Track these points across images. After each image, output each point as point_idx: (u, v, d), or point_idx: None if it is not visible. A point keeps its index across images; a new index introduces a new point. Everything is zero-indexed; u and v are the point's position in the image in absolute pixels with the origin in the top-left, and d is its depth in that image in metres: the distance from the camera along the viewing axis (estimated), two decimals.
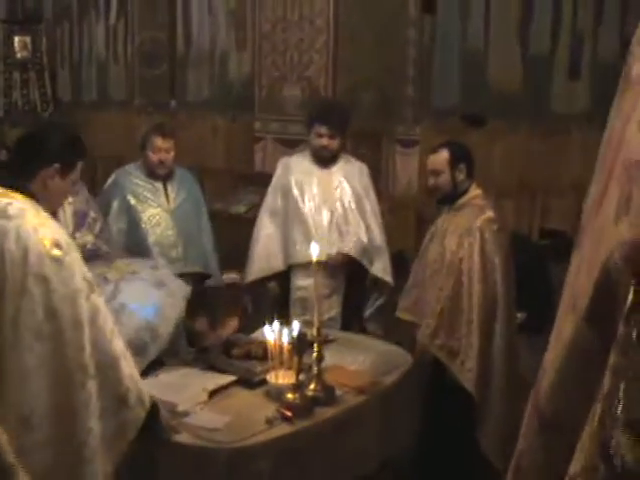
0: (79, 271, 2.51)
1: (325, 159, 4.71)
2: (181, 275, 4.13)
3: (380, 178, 6.76)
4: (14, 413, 2.39)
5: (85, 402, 2.47)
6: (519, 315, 5.44)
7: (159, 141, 4.57)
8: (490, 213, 3.88)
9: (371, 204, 4.80)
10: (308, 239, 4.43)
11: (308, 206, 4.68)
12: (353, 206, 4.71)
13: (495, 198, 7.04)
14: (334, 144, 4.64)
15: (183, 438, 2.87)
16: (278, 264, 4.75)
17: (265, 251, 4.77)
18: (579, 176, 5.99)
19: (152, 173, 4.65)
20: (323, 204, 4.69)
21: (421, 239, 6.78)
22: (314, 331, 3.23)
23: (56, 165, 2.71)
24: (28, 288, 2.39)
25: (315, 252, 3.27)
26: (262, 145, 7.29)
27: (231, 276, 5.20)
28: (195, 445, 2.85)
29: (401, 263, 6.68)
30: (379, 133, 6.83)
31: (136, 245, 4.56)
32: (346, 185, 4.73)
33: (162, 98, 9.29)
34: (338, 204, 4.69)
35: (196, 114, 8.74)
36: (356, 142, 6.60)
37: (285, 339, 3.28)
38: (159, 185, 4.69)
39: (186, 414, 3.00)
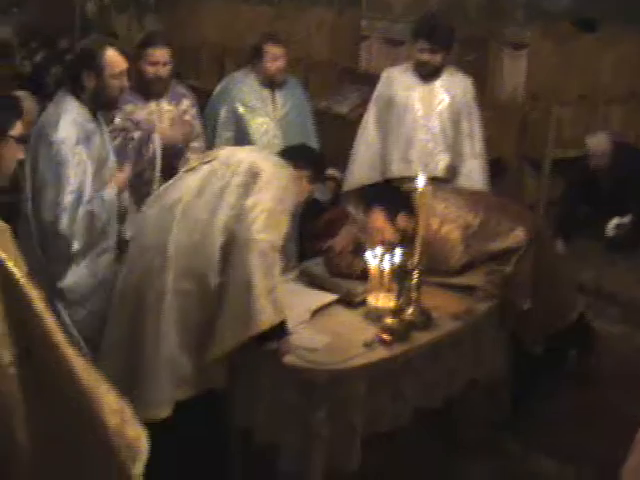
0: None
1: (427, 73, 4.66)
2: None
3: (486, 82, 6.67)
4: None
5: None
6: (625, 219, 5.50)
7: (274, 49, 4.67)
8: None
9: (470, 124, 4.74)
10: (405, 156, 4.60)
11: (408, 122, 4.67)
12: (449, 124, 4.68)
13: (603, 104, 6.99)
14: (436, 59, 4.58)
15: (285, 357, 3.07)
16: (376, 176, 4.79)
17: (365, 162, 4.82)
18: None
19: (267, 81, 4.75)
20: (423, 119, 4.67)
21: (524, 145, 6.79)
22: (414, 258, 3.34)
23: None
24: None
25: (421, 182, 3.33)
26: (368, 44, 7.22)
27: (329, 172, 5.33)
28: (296, 365, 3.04)
29: (498, 170, 6.67)
30: (487, 36, 6.67)
31: None
32: (446, 101, 4.68)
33: None
34: (437, 121, 4.67)
35: (302, 6, 8.66)
36: (463, 46, 6.48)
37: (386, 265, 3.40)
38: (267, 93, 4.77)
39: (290, 333, 3.18)
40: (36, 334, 2.01)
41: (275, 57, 4.68)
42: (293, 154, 3.54)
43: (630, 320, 5.14)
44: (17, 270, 2.02)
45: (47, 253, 3.46)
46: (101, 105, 3.62)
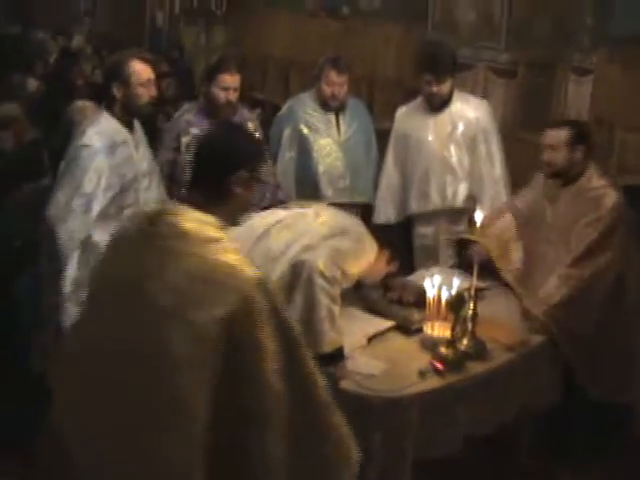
0: None
1: (437, 104, 4.62)
2: (348, 205, 4.39)
3: (550, 108, 6.66)
4: None
5: None
6: None
7: (333, 75, 4.72)
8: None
9: (487, 147, 4.68)
10: (424, 191, 4.65)
11: (424, 155, 4.66)
12: (465, 151, 4.64)
13: None
14: (443, 89, 4.53)
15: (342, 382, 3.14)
16: (398, 214, 4.85)
17: (388, 201, 4.86)
18: None
19: (325, 105, 4.81)
20: (439, 150, 4.64)
21: None
22: (472, 289, 3.39)
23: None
24: None
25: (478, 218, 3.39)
26: None
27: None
28: (353, 391, 3.10)
29: None
30: (554, 61, 6.66)
31: (305, 174, 4.80)
32: (460, 128, 4.64)
33: (335, 3, 9.31)
34: (452, 150, 4.64)
35: (369, 21, 8.72)
36: (530, 70, 6.51)
37: (444, 295, 3.45)
38: (331, 116, 4.86)
39: (346, 358, 3.25)
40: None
41: (333, 83, 4.74)
42: None
43: None
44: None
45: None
46: (132, 114, 3.77)
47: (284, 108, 5.03)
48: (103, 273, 2.47)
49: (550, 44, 6.55)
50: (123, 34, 11.94)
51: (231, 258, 2.22)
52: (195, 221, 2.27)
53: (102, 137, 3.64)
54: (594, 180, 3.93)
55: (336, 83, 4.74)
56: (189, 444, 2.13)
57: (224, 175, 2.35)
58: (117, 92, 3.71)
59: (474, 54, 6.64)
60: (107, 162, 3.62)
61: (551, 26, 6.57)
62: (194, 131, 4.35)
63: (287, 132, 4.86)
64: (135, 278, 2.25)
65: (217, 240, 2.26)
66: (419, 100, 4.76)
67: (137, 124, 3.86)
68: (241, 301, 2.14)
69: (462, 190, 4.65)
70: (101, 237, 3.48)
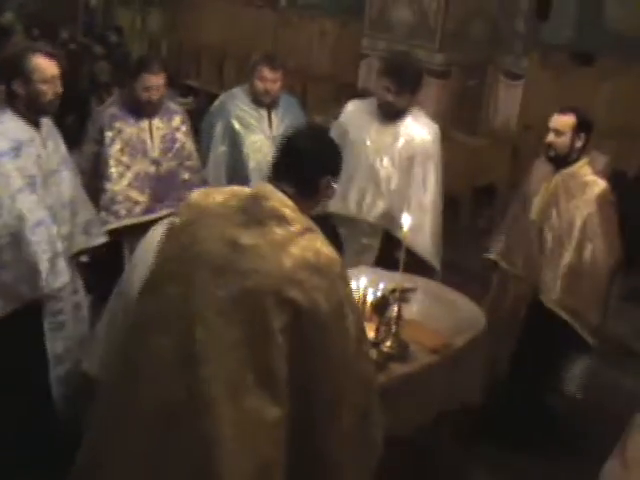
0: None
1: (389, 114, 4.46)
2: None
3: (481, 109, 6.78)
4: None
5: None
6: None
7: (266, 71, 4.69)
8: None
9: (424, 172, 4.51)
10: (344, 194, 4.42)
11: (355, 158, 4.44)
12: (397, 168, 4.48)
13: (597, 138, 7.09)
14: (401, 102, 4.38)
15: None
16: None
17: None
18: None
19: (257, 100, 4.79)
20: (370, 158, 4.48)
21: (515, 174, 6.88)
22: (396, 293, 3.42)
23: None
24: None
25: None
26: (368, 62, 7.31)
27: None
28: None
29: (490, 194, 6.79)
30: (485, 63, 6.78)
31: (236, 169, 4.78)
32: (400, 144, 4.48)
33: None
34: (385, 163, 4.48)
35: (305, 14, 8.74)
36: (462, 71, 6.60)
37: (369, 296, 3.48)
38: (263, 112, 4.84)
39: None
40: None
41: (266, 79, 4.71)
42: None
43: None
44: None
45: None
46: (37, 112, 3.55)
47: (216, 102, 4.99)
48: (174, 255, 2.52)
49: (483, 47, 6.67)
50: (55, 12, 11.69)
51: (327, 248, 2.45)
52: (291, 209, 2.45)
53: (5, 139, 3.43)
54: (585, 168, 4.17)
55: (269, 79, 4.71)
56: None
57: (320, 175, 2.57)
58: (19, 89, 3.45)
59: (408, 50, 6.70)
60: (13, 164, 3.42)
61: (485, 30, 6.69)
62: (117, 125, 4.32)
63: (219, 127, 4.83)
64: (226, 256, 2.39)
65: (313, 230, 2.48)
66: (370, 101, 4.62)
67: (44, 119, 3.64)
68: (338, 288, 2.40)
69: (380, 205, 4.49)
70: (37, 238, 3.44)
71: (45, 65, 3.49)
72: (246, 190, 2.56)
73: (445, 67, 6.65)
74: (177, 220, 2.57)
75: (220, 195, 2.55)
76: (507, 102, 6.81)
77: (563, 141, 4.09)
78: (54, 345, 3.69)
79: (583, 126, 4.10)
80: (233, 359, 2.36)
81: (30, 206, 3.47)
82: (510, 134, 6.83)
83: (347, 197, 4.48)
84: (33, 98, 3.49)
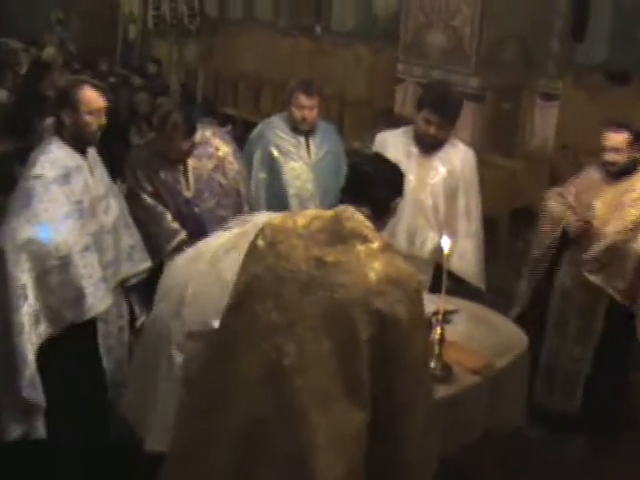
0: None
1: (428, 145, 4.44)
2: None
3: (517, 131, 6.80)
4: None
5: None
6: None
7: (303, 98, 4.76)
8: None
9: (467, 200, 4.52)
10: (392, 230, 4.24)
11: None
12: (443, 199, 4.47)
13: None
14: (442, 134, 4.38)
15: None
16: None
17: None
18: None
19: (295, 128, 4.87)
20: (415, 192, 4.40)
21: None
22: (439, 313, 3.46)
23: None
24: None
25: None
26: (403, 87, 7.37)
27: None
28: None
29: (527, 218, 6.76)
30: (520, 86, 6.81)
31: (276, 196, 4.85)
32: (442, 174, 4.47)
33: (307, 22, 9.42)
34: (429, 195, 4.46)
35: (340, 41, 8.83)
36: (497, 95, 6.64)
37: None
38: (301, 139, 4.91)
39: None
40: None
41: (303, 106, 4.76)
42: None
43: None
44: None
45: None
46: (82, 141, 3.67)
47: (255, 130, 5.06)
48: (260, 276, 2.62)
49: (517, 70, 6.70)
50: (95, 46, 11.94)
51: (405, 265, 2.60)
52: (370, 228, 2.60)
53: (54, 166, 3.55)
54: None
55: (306, 106, 4.77)
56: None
57: (392, 199, 2.76)
58: (66, 119, 3.61)
59: (444, 78, 6.76)
60: (62, 191, 3.53)
61: (518, 52, 6.72)
62: None
63: (258, 154, 4.90)
64: (313, 273, 2.51)
65: (391, 247, 2.64)
66: (404, 131, 4.57)
67: (90, 148, 3.78)
68: (416, 302, 2.54)
69: (431, 238, 4.44)
70: (84, 262, 3.53)
71: (92, 97, 3.64)
72: (328, 212, 2.67)
73: (480, 91, 6.68)
74: (260, 242, 2.67)
75: (302, 218, 2.67)
76: (543, 123, 6.82)
77: (623, 157, 4.26)
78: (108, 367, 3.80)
79: (638, 139, 4.26)
80: (323, 371, 2.45)
81: (78, 231, 3.58)
82: (546, 155, 6.83)
83: (396, 234, 4.38)
84: (79, 128, 3.63)
